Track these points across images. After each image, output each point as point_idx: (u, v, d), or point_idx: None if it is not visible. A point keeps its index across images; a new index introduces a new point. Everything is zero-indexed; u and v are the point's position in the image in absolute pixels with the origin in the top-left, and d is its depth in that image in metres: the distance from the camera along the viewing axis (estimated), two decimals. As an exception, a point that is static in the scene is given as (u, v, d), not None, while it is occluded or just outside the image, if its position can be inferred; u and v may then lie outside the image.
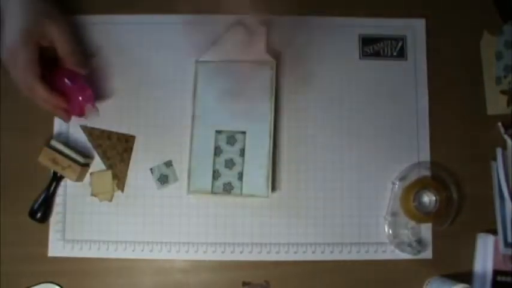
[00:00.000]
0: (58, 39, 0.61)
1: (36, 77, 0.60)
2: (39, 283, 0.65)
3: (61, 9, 0.63)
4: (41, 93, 0.60)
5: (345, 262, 0.66)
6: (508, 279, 0.65)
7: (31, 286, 0.65)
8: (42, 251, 0.66)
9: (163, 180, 0.67)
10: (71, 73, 0.63)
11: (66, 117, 0.64)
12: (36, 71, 0.60)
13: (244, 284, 0.66)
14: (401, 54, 0.70)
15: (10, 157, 0.67)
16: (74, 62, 0.63)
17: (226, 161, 0.66)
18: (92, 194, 0.66)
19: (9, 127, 0.68)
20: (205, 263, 0.66)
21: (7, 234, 0.66)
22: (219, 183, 0.66)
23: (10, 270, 0.65)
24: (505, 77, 0.69)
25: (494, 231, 0.66)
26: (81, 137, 0.68)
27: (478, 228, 0.67)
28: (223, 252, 0.66)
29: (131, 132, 0.68)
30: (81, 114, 0.64)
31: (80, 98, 0.63)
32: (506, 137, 0.68)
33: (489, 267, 0.65)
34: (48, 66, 0.62)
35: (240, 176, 0.66)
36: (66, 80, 0.63)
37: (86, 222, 0.66)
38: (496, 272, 0.65)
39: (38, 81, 0.60)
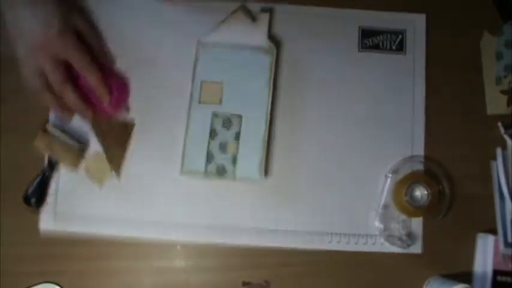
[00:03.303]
0: (85, 25, 0.62)
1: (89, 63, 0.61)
2: (39, 283, 0.65)
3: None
4: (71, 94, 0.61)
5: (339, 258, 0.66)
6: (508, 279, 0.64)
7: (31, 286, 0.65)
8: (40, 249, 0.66)
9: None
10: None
11: (88, 116, 0.65)
12: (84, 57, 0.61)
13: (244, 284, 0.66)
14: (401, 48, 0.69)
15: (9, 158, 0.67)
16: (104, 50, 0.64)
17: (220, 144, 0.66)
18: (87, 174, 0.66)
19: (9, 127, 0.68)
20: (204, 262, 0.66)
21: (6, 235, 0.66)
22: (212, 165, 0.66)
23: (10, 270, 0.65)
24: (505, 77, 0.69)
25: (494, 231, 0.66)
26: (76, 123, 0.67)
27: (478, 228, 0.67)
28: (212, 234, 0.66)
29: (129, 115, 0.67)
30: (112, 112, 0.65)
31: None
32: (506, 137, 0.68)
33: (489, 267, 0.65)
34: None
35: (234, 160, 0.66)
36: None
37: (79, 205, 0.66)
38: (496, 272, 0.65)
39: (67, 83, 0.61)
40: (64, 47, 0.60)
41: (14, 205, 0.66)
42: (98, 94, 0.64)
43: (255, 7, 0.69)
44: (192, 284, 0.66)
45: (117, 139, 0.66)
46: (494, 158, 0.68)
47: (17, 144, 0.67)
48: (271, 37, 0.69)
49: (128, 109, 0.67)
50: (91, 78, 0.62)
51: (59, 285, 0.65)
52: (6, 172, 0.67)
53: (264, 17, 0.68)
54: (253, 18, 0.68)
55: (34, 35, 0.59)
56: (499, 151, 0.68)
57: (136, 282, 0.66)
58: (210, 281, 0.66)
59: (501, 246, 0.65)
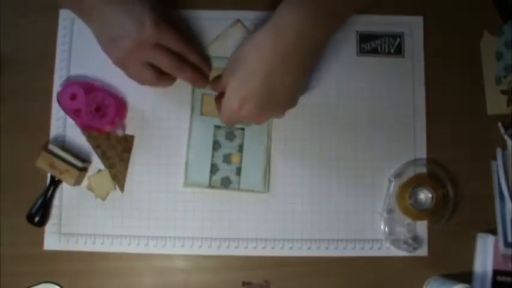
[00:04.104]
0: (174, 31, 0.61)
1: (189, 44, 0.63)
2: (39, 283, 0.65)
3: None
4: (188, 71, 0.63)
5: (340, 259, 0.66)
6: (508, 279, 0.64)
7: (31, 286, 0.65)
8: (40, 249, 0.66)
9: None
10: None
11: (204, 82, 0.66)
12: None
13: (244, 284, 0.66)
14: (399, 51, 0.69)
15: (9, 157, 0.67)
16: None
17: (224, 155, 0.66)
18: (89, 190, 0.66)
19: (9, 127, 0.67)
20: (204, 262, 0.66)
21: (6, 235, 0.66)
22: (217, 177, 0.66)
23: (10, 270, 0.65)
24: (505, 77, 0.69)
25: (494, 231, 0.66)
26: (78, 140, 0.67)
27: (478, 228, 0.67)
28: (218, 247, 0.66)
29: (130, 131, 0.67)
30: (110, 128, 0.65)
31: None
32: (506, 137, 0.68)
33: (489, 267, 0.65)
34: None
35: (238, 171, 0.66)
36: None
37: (81, 217, 0.66)
38: (496, 272, 0.65)
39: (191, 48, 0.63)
40: (162, 36, 0.59)
41: (13, 205, 0.66)
42: (202, 69, 0.65)
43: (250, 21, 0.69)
44: (192, 284, 0.66)
45: (118, 154, 0.67)
46: (494, 158, 0.68)
47: (17, 145, 0.67)
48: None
49: (124, 128, 0.67)
50: (192, 58, 0.64)
51: (59, 285, 0.65)
52: (6, 172, 0.67)
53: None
54: (250, 30, 0.68)
55: (130, 35, 0.58)
56: (499, 151, 0.68)
57: (136, 282, 0.66)
58: (210, 281, 0.66)
59: (501, 246, 0.65)
